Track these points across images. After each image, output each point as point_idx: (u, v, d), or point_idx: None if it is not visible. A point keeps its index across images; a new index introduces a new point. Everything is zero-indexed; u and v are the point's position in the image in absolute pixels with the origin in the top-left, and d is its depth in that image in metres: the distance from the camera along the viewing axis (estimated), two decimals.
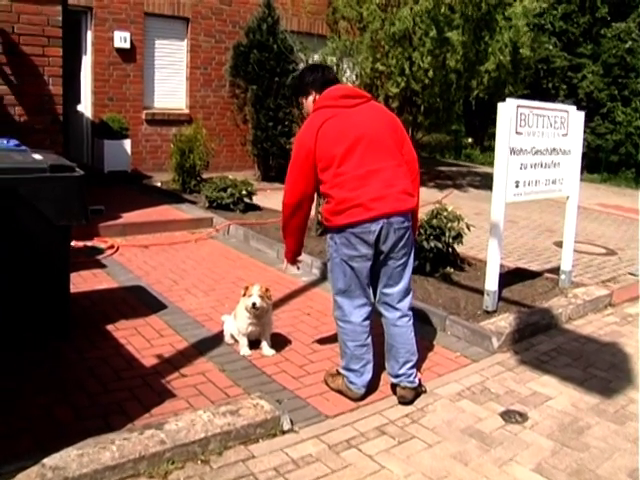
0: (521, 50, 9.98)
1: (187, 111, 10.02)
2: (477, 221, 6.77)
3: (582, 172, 6.00)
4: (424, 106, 11.10)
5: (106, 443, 2.58)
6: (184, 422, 2.82)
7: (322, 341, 4.16)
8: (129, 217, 6.87)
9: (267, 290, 3.82)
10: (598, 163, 16.91)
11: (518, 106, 4.42)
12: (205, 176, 8.96)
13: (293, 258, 3.73)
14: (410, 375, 3.38)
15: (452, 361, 4.00)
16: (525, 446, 3.03)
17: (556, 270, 6.22)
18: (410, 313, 3.40)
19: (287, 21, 10.68)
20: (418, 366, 3.56)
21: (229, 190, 7.64)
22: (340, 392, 3.40)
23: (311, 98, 3.38)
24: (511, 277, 5.60)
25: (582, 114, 5.04)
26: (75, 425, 2.91)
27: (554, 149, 4.84)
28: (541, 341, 4.42)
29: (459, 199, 10.32)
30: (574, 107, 5.03)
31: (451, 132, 20.31)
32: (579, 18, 17.82)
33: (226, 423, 2.86)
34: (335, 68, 10.65)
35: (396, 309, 3.33)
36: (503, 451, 2.97)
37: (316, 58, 10.23)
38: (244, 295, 3.80)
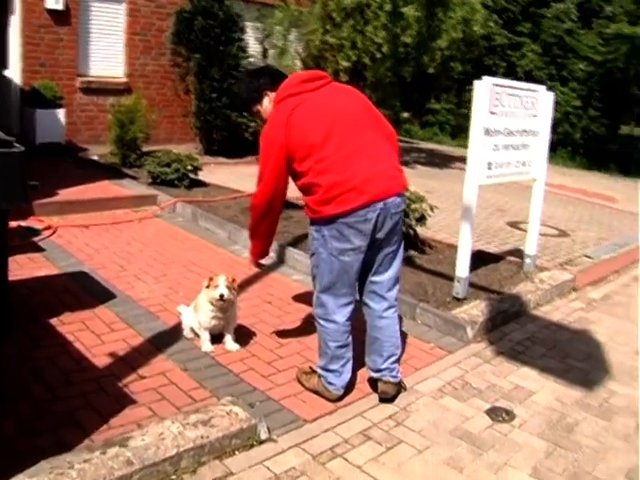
0: (475, 27, 9.84)
1: (125, 80, 9.33)
2: (429, 200, 6.58)
3: None
4: (371, 80, 10.85)
5: (63, 468, 2.21)
6: (151, 436, 2.48)
7: (287, 333, 3.88)
8: (66, 194, 6.30)
9: (234, 280, 3.49)
10: None
11: (493, 84, 4.21)
12: (145, 149, 8.41)
13: (259, 260, 3.43)
14: (393, 369, 3.15)
15: (427, 353, 3.81)
16: (518, 448, 2.86)
17: (516, 252, 6.16)
18: (396, 304, 3.17)
19: None
20: None
21: (173, 165, 7.17)
22: (316, 392, 3.14)
23: (266, 100, 3.11)
24: (474, 260, 5.44)
25: (552, 94, 4.90)
26: (22, 441, 2.52)
27: (525, 130, 4.68)
28: (513, 329, 4.29)
29: (407, 177, 10.16)
30: (544, 87, 4.88)
31: (388, 106, 20.17)
32: None
33: (199, 436, 2.54)
34: (282, 38, 10.24)
35: (384, 299, 3.08)
36: (496, 454, 2.79)
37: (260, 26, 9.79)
38: (208, 286, 3.45)
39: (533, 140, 4.82)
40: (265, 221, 3.13)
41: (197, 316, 3.54)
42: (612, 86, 16.44)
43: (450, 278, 4.90)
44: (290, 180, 3.01)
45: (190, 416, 2.67)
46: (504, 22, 18.85)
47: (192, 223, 6.25)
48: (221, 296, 3.37)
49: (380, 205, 2.83)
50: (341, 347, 3.04)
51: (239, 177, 8.72)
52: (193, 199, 6.74)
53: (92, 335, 3.57)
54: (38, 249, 4.97)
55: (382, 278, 3.07)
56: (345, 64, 10.15)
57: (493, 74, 19.95)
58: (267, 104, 3.10)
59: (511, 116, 4.46)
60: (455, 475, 2.62)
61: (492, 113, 4.24)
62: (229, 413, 2.73)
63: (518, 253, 6.12)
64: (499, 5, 18.29)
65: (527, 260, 5.28)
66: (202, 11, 8.87)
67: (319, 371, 3.11)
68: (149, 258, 5.04)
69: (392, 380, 3.15)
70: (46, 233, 5.38)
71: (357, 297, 3.14)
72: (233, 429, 2.63)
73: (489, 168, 4.38)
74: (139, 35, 9.28)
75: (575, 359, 3.91)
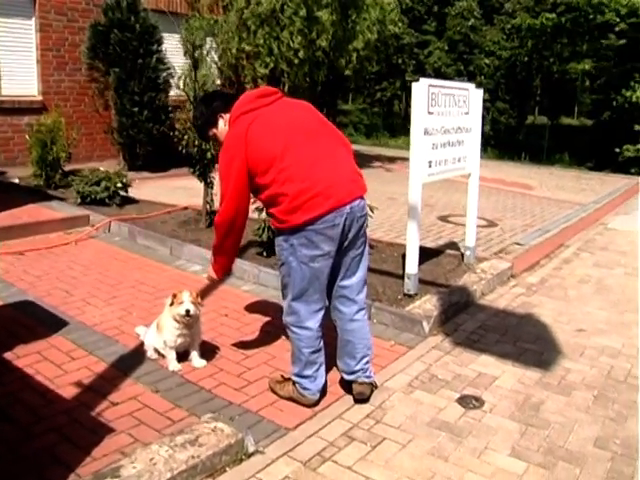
0: (390, 27, 10.11)
1: (40, 98, 8.93)
2: None
3: None
4: (289, 85, 10.93)
5: None
6: (142, 463, 2.43)
7: (251, 344, 3.88)
8: None
9: (197, 296, 3.46)
10: None
11: (429, 85, 4.37)
12: (67, 169, 8.12)
13: (222, 276, 3.45)
14: (367, 370, 3.23)
15: (389, 350, 3.91)
16: (493, 432, 3.00)
17: (452, 245, 6.41)
18: (365, 306, 3.24)
19: None
20: None
21: (103, 183, 6.97)
22: (292, 399, 3.16)
23: (221, 122, 3.15)
24: None
25: (481, 91, 5.14)
26: None
27: (459, 128, 4.89)
28: (465, 320, 4.47)
29: None
30: (473, 85, 5.11)
31: None
32: None
33: (189, 456, 2.51)
34: (198, 48, 10.12)
35: (354, 302, 3.15)
36: (475, 440, 2.92)
37: (177, 37, 9.63)
38: (172, 304, 3.40)
39: (467, 136, 5.04)
40: (230, 238, 3.13)
41: (161, 336, 3.47)
42: (517, 79, 17.34)
43: (397, 276, 5.05)
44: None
45: (176, 437, 2.64)
46: (410, 21, 19.46)
47: (130, 241, 6.10)
48: (187, 312, 3.33)
49: (347, 209, 2.89)
50: (314, 352, 3.08)
51: (167, 191, 8.59)
52: (127, 217, 6.57)
53: (52, 366, 3.43)
54: None
55: (351, 282, 3.14)
56: (263, 71, 10.19)
57: (403, 72, 20.61)
58: (222, 126, 3.13)
59: (446, 115, 4.65)
60: (442, 464, 2.72)
61: (430, 113, 4.41)
62: (214, 430, 2.71)
63: (454, 246, 6.38)
64: (404, 4, 18.85)
65: (467, 252, 5.51)
66: (118, 24, 8.64)
67: (294, 378, 3.14)
68: (94, 281, 4.88)
69: (367, 380, 3.22)
70: None
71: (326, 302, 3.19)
72: (222, 445, 2.62)
73: (430, 166, 4.55)
74: (52, 51, 8.91)
75: (527, 342, 4.12)
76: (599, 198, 10.11)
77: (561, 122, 22.87)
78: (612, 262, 6.18)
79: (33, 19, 8.81)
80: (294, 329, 3.07)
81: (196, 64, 6.07)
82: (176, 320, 3.38)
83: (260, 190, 2.95)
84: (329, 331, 3.28)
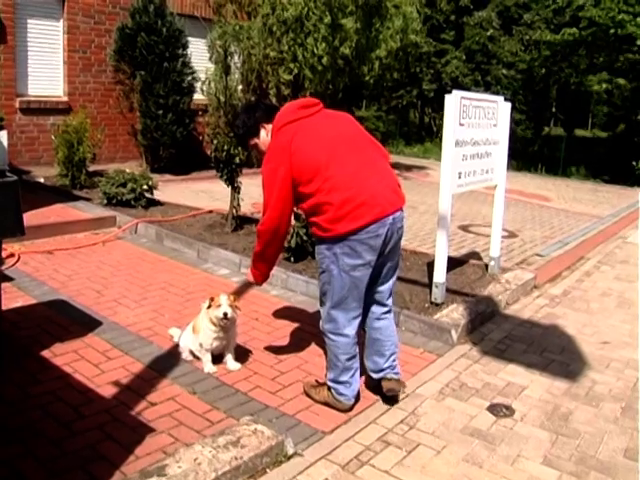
0: (411, 36, 10.18)
1: (66, 99, 9.06)
2: None
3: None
4: (311, 92, 11.01)
5: None
6: (186, 463, 2.50)
7: (283, 349, 3.94)
8: None
9: (235, 299, 3.52)
10: None
11: (462, 98, 4.43)
12: (90, 169, 8.23)
13: (262, 283, 3.53)
14: (395, 367, 3.31)
15: (419, 358, 3.96)
16: (524, 440, 3.05)
17: (475, 255, 6.45)
18: (392, 307, 3.37)
19: (168, 2, 10.03)
20: None
21: (129, 185, 7.06)
22: (327, 404, 3.22)
23: (263, 132, 3.22)
24: None
25: (509, 105, 5.20)
26: None
27: (487, 139, 4.95)
28: (491, 329, 4.51)
29: None
30: (502, 98, 5.16)
31: None
32: (443, 5, 18.62)
33: (232, 457, 2.57)
34: (223, 53, 10.25)
35: (384, 305, 3.27)
36: (508, 448, 2.97)
37: (203, 42, 9.76)
38: (209, 307, 3.47)
39: (494, 148, 5.09)
40: (272, 246, 3.19)
41: (198, 338, 3.54)
42: (534, 90, 17.36)
43: (422, 284, 5.11)
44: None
45: (218, 438, 2.70)
46: (428, 30, 19.53)
47: (157, 244, 6.18)
48: (225, 315, 3.40)
49: (390, 220, 2.96)
50: (350, 359, 3.14)
51: (190, 193, 8.68)
52: (153, 219, 6.66)
53: (89, 365, 3.51)
54: (6, 278, 4.78)
55: (384, 288, 3.23)
56: (287, 77, 10.26)
57: (420, 81, 20.66)
58: (264, 136, 3.20)
59: (476, 127, 4.71)
60: (477, 471, 2.77)
61: (461, 125, 4.46)
62: (255, 432, 2.77)
63: (477, 255, 6.43)
64: (423, 14, 18.92)
65: (491, 262, 5.55)
66: (145, 27, 8.77)
67: (329, 384, 3.20)
68: (124, 282, 4.96)
69: (395, 377, 3.29)
70: (10, 261, 5.20)
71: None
72: (263, 447, 2.67)
73: (459, 177, 4.60)
74: (78, 52, 9.04)
75: (553, 352, 4.16)
76: (616, 211, 10.12)
77: (575, 134, 22.84)
78: (632, 276, 6.20)
79: (61, 21, 8.95)
80: (332, 336, 3.12)
81: (228, 70, 6.16)
82: (213, 323, 3.45)
83: (303, 199, 3.01)
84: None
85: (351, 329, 3.11)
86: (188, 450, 2.61)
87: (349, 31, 9.63)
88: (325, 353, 3.74)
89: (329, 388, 3.21)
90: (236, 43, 10.26)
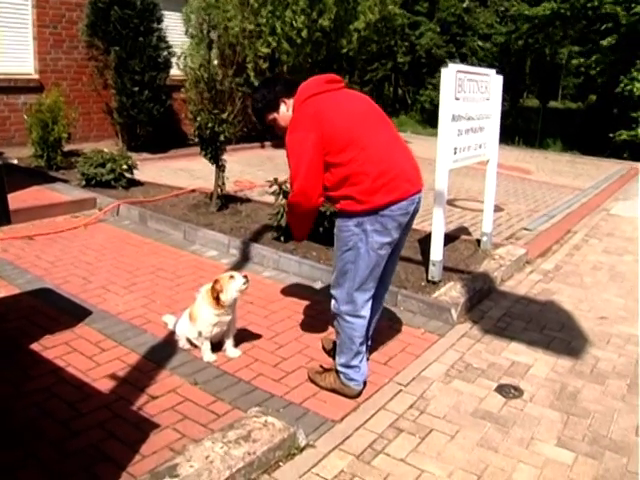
0: (390, 7, 9.97)
1: (37, 76, 8.65)
2: None
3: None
4: (288, 66, 10.78)
5: None
6: (198, 461, 2.39)
7: (280, 333, 3.84)
8: None
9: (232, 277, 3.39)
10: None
11: (457, 71, 4.31)
12: (65, 149, 7.93)
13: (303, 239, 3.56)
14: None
15: (420, 339, 3.89)
16: (536, 422, 3.01)
17: (464, 230, 6.40)
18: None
19: None
20: (391, 348, 3.69)
21: (108, 165, 6.82)
22: (334, 390, 3.14)
23: (283, 107, 3.06)
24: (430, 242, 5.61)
25: (501, 78, 5.09)
26: None
27: (481, 114, 4.84)
28: (489, 307, 4.47)
29: None
30: (493, 71, 5.05)
31: None
32: None
33: (245, 453, 2.47)
34: (199, 27, 9.92)
35: (386, 284, 3.31)
36: (521, 430, 2.92)
37: (178, 15, 9.42)
38: (213, 288, 3.32)
39: (487, 123, 5.00)
40: (307, 218, 3.08)
41: (196, 326, 3.41)
42: (510, 62, 17.30)
43: (416, 262, 5.03)
44: None
45: (228, 433, 2.60)
46: (402, 2, 19.24)
47: (141, 225, 5.99)
48: (245, 278, 3.34)
49: (416, 198, 2.94)
50: (362, 342, 3.06)
51: (170, 172, 8.46)
52: (135, 200, 6.45)
53: (83, 357, 3.36)
54: None
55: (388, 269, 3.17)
56: (265, 50, 10.03)
57: (394, 54, 20.41)
58: (285, 111, 3.05)
59: (470, 101, 4.60)
60: (492, 455, 2.72)
61: (456, 99, 4.35)
62: (265, 424, 2.67)
63: (466, 231, 6.37)
64: None
65: (484, 238, 5.49)
66: (118, 1, 8.39)
67: (340, 368, 3.10)
68: (111, 267, 4.79)
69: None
70: None
71: None
72: (276, 440, 2.58)
73: (455, 153, 4.50)
74: (49, 27, 8.61)
75: (553, 330, 4.13)
76: (597, 183, 10.16)
77: (549, 106, 22.91)
78: (620, 249, 6.22)
79: None
80: (349, 318, 3.01)
81: (211, 45, 5.93)
82: (222, 305, 3.29)
83: (334, 169, 2.86)
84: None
85: (367, 310, 3.04)
86: (198, 447, 2.50)
87: (328, 2, 9.40)
88: (328, 336, 3.67)
89: (338, 373, 3.12)
90: (212, 16, 9.96)
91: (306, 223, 3.14)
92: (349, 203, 2.86)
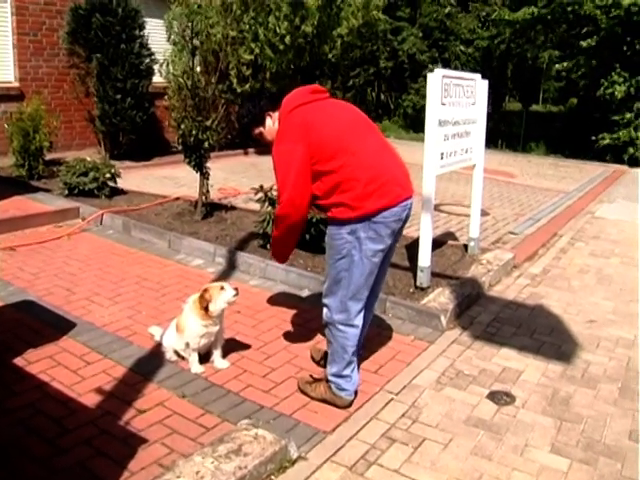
0: (373, 12, 9.99)
1: (17, 84, 8.52)
2: None
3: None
4: (271, 72, 10.76)
5: None
6: (188, 477, 2.33)
7: (269, 343, 3.79)
8: None
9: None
10: (422, 123, 17.83)
11: (443, 76, 4.30)
12: (47, 158, 7.82)
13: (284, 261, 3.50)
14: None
15: (410, 346, 3.86)
16: (530, 428, 2.98)
17: (451, 235, 6.39)
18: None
19: None
20: (381, 355, 3.66)
21: (91, 174, 6.72)
22: (324, 401, 3.09)
23: (269, 120, 3.06)
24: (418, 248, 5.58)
25: (486, 82, 5.09)
26: None
27: (467, 119, 4.84)
28: (478, 313, 4.45)
29: None
30: (479, 75, 5.05)
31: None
32: None
33: (236, 467, 2.42)
34: (182, 34, 9.88)
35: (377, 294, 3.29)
36: (514, 438, 2.90)
37: (160, 22, 9.36)
38: (202, 297, 3.27)
39: (473, 127, 4.99)
40: (293, 230, 3.02)
41: (183, 337, 3.35)
42: (491, 66, 17.38)
43: (404, 268, 5.01)
44: None
45: (218, 447, 2.54)
46: (384, 7, 19.28)
47: (125, 235, 5.90)
48: (236, 290, 3.31)
49: (408, 204, 2.92)
50: (354, 352, 3.03)
51: (154, 180, 8.38)
52: (119, 209, 6.37)
53: (67, 372, 3.29)
54: None
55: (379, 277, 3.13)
56: (247, 57, 9.97)
57: (377, 59, 20.46)
58: (270, 125, 3.05)
59: (457, 105, 4.59)
60: (487, 464, 2.69)
61: (443, 104, 4.34)
62: (256, 437, 2.62)
63: (453, 236, 6.36)
64: None
65: (471, 243, 5.48)
66: (99, 8, 8.31)
67: (331, 378, 3.06)
68: (95, 278, 4.71)
69: None
70: None
71: None
72: (267, 454, 2.53)
73: (442, 158, 4.49)
74: (29, 35, 8.49)
75: (542, 334, 4.12)
76: (580, 186, 10.22)
77: (531, 109, 23.08)
78: (607, 251, 6.25)
79: (8, 2, 8.39)
80: (342, 327, 2.97)
81: (194, 51, 5.89)
82: (209, 315, 3.25)
83: (323, 177, 2.83)
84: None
85: (360, 319, 3.01)
86: (188, 462, 2.44)
87: (311, 8, 9.39)
88: (317, 345, 3.63)
89: (329, 383, 3.08)
90: (195, 23, 9.91)
91: (292, 239, 3.10)
92: (341, 210, 2.83)
